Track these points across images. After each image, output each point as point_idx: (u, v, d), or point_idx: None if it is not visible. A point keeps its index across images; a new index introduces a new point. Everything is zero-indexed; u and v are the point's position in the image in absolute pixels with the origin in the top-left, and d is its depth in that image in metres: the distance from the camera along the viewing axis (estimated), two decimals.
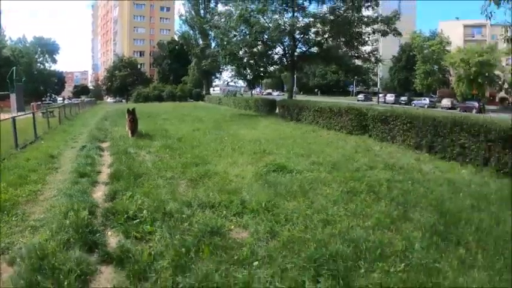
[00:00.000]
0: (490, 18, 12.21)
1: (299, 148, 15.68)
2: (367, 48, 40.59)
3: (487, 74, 77.52)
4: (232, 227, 6.89)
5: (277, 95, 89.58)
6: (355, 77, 50.17)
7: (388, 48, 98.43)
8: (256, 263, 5.42)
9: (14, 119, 15.85)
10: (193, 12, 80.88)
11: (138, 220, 7.04)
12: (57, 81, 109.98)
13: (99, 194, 9.11)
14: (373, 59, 40.97)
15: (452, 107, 72.71)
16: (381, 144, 17.62)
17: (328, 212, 7.52)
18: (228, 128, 24.47)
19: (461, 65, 78.18)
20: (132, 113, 18.84)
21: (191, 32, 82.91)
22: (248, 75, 45.35)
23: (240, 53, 39.42)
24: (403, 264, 5.45)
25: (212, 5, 77.57)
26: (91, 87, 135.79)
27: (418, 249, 5.98)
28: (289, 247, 5.89)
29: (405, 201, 8.45)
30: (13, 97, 43.96)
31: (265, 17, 36.20)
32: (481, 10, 11.94)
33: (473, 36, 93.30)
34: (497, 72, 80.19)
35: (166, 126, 24.09)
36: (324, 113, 24.86)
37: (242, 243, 6.12)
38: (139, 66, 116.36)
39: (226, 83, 68.01)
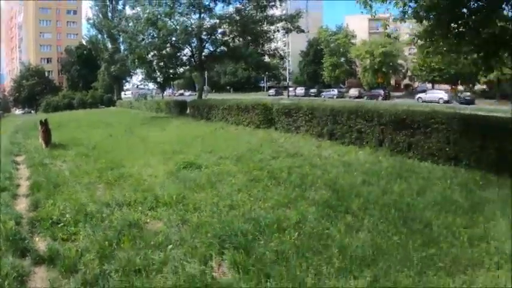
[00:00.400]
0: (374, 15, 13.44)
1: (208, 145, 16.56)
2: (273, 45, 42.08)
3: (390, 64, 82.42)
4: (148, 220, 7.63)
5: (189, 95, 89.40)
6: (266, 73, 51.66)
7: (297, 43, 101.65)
8: (170, 246, 6.22)
9: None
10: (100, 16, 77.95)
11: (62, 224, 7.48)
12: None
13: (21, 205, 9.30)
14: (278, 55, 42.51)
15: (360, 96, 76.60)
16: (285, 135, 18.89)
17: (233, 199, 8.53)
18: (140, 131, 24.99)
19: (366, 56, 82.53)
20: (44, 124, 18.86)
21: (99, 36, 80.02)
22: (158, 78, 45.63)
23: (149, 56, 39.73)
24: (296, 233, 6.54)
25: (120, 7, 76.55)
26: None
27: (311, 220, 7.12)
28: (198, 230, 6.78)
29: (302, 183, 9.70)
30: None
31: (172, 20, 36.71)
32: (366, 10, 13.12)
33: (378, 29, 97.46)
34: (400, 61, 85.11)
35: (79, 134, 23.92)
36: (232, 110, 25.91)
37: (157, 231, 6.92)
38: (47, 74, 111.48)
39: (136, 86, 67.63)
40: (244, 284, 5.06)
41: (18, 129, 32.50)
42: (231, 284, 5.14)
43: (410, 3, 12.65)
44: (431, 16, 12.75)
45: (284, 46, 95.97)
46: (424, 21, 13.18)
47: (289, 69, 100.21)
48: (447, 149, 12.47)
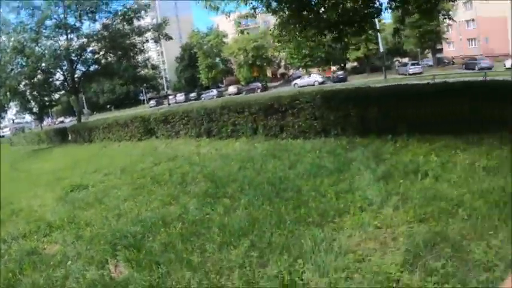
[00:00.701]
0: (228, 15, 13.97)
1: (92, 166, 16.84)
2: (145, 56, 42.47)
3: (264, 56, 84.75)
4: (46, 245, 7.82)
5: (70, 121, 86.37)
6: (144, 85, 51.25)
7: (172, 50, 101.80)
8: (69, 262, 6.55)
9: None
10: None
11: None
12: None
13: None
14: (150, 65, 43.15)
15: (239, 92, 78.06)
16: (166, 141, 19.53)
17: (121, 208, 9.00)
18: (23, 166, 24.79)
19: (239, 53, 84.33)
20: None
21: None
22: (34, 108, 44.11)
23: (21, 86, 38.18)
24: (180, 223, 7.19)
25: None
26: None
27: (193, 210, 7.85)
28: (92, 242, 7.17)
29: (183, 181, 10.52)
30: None
31: (39, 45, 35.72)
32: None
33: (248, 26, 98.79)
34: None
35: None
36: (112, 127, 26.13)
37: (55, 253, 7.20)
38: None
39: (12, 121, 64.10)
40: (138, 275, 5.57)
41: None
42: (127, 279, 5.62)
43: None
44: (283, 8, 13.55)
45: (158, 55, 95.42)
46: (280, 13, 14.02)
47: (166, 78, 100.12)
48: (315, 124, 13.67)
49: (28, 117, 67.36)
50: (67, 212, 9.67)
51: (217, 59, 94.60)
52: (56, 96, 45.02)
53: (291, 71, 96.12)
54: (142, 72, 43.42)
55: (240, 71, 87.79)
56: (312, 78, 70.09)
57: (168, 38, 39.96)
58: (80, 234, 7.85)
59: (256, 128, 15.60)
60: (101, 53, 39.26)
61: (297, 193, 7.85)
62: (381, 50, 60.99)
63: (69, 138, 36.02)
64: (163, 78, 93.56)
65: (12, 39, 34.64)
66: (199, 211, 7.74)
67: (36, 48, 35.43)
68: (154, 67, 45.04)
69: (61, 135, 38.33)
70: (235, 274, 5.23)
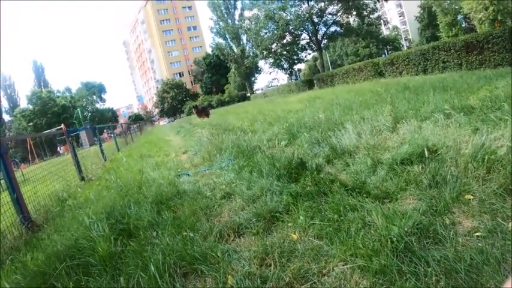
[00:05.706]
0: None
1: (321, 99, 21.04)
2: (378, 14, 46.44)
3: (506, 11, 78.25)
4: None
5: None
6: (387, 46, 54.17)
7: (411, 11, 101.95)
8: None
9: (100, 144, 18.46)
10: (221, 24, 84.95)
11: None
12: (111, 116, 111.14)
13: None
14: (382, 22, 46.89)
15: None
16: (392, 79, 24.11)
17: None
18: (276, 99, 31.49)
19: (478, 8, 78.28)
20: (195, 107, 28.79)
21: (223, 41, 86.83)
22: (284, 64, 51.09)
23: (273, 46, 46.32)
24: None
25: (238, 12, 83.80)
26: (143, 115, 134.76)
27: None
28: None
29: None
30: (83, 134, 40.98)
31: (286, 12, 42.70)
32: None
33: None
34: None
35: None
36: (350, 73, 32.40)
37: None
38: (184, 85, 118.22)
39: (269, 83, 73.38)
40: None
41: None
42: None
43: None
44: None
45: (400, 17, 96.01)
46: None
47: (409, 39, 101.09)
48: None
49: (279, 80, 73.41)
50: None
51: (459, 17, 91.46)
52: (302, 55, 51.22)
53: None
54: (381, 32, 47.04)
55: (481, 27, 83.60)
56: None
57: None
58: None
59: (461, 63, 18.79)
60: (338, 14, 44.32)
61: None
62: None
63: (315, 85, 43.04)
64: (403, 39, 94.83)
65: (263, 9, 42.60)
66: None
67: (284, 14, 42.76)
68: (386, 22, 47.81)
69: (308, 84, 45.85)
70: None
